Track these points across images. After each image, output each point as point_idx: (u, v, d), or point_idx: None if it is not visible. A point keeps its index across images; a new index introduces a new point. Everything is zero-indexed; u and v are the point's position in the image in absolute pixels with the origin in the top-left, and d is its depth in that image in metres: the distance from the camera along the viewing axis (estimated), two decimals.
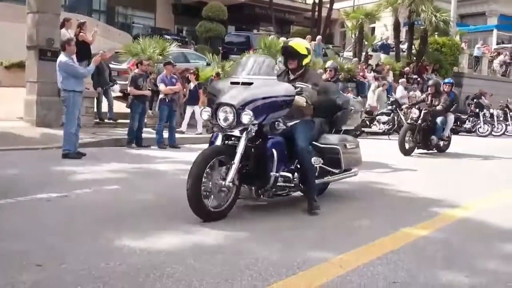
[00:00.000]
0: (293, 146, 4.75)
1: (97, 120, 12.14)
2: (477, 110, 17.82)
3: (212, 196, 4.34)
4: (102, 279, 2.99)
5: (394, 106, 14.92)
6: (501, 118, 18.12)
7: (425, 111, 10.41)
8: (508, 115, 18.48)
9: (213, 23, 23.36)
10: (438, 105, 10.54)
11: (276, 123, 4.60)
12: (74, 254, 3.39)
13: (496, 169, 8.94)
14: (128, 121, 10.22)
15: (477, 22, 32.74)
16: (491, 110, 18.11)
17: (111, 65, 13.51)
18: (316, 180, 5.01)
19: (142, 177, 6.77)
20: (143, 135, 10.19)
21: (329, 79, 8.74)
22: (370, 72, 19.02)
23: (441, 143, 10.90)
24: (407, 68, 20.37)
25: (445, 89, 11.32)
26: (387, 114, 14.79)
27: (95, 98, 11.91)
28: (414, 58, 21.93)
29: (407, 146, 10.13)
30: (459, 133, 17.86)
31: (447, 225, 4.67)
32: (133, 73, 10.54)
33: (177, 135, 10.63)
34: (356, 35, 21.72)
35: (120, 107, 12.39)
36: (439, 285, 3.15)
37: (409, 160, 9.52)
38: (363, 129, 14.66)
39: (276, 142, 4.60)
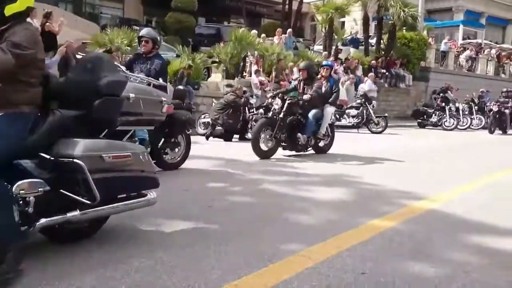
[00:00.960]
0: None
1: None
2: (443, 104, 18.22)
3: None
4: (68, 275, 2.93)
5: (363, 100, 15.09)
6: (467, 112, 18.57)
7: (290, 101, 8.28)
8: (473, 109, 18.95)
9: (183, 14, 23.11)
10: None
11: None
12: (36, 250, 3.31)
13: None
14: None
15: (444, 17, 33.36)
16: (457, 104, 18.54)
17: (78, 56, 13.21)
18: (44, 220, 3.02)
19: None
20: None
21: (145, 53, 6.72)
22: (340, 66, 19.17)
23: (321, 143, 9.00)
24: (373, 61, 20.62)
25: (323, 74, 9.17)
26: (357, 108, 14.96)
27: None
28: (383, 52, 22.22)
29: (264, 146, 8.11)
30: (425, 127, 18.26)
31: (414, 217, 4.76)
32: None
33: None
34: (326, 29, 21.84)
35: None
36: (406, 276, 3.20)
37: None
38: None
39: None
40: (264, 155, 8.06)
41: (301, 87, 8.76)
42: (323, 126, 8.76)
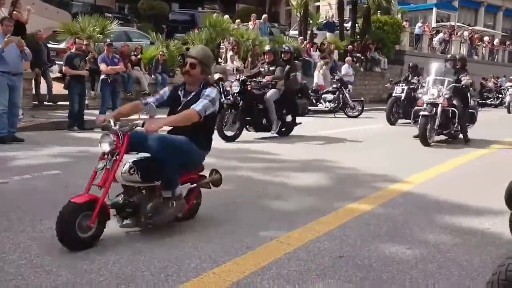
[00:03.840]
0: None
1: (36, 103, 11.64)
2: None
3: None
4: (44, 268, 2.89)
5: (339, 84, 15.12)
6: None
7: None
8: None
9: (156, 0, 22.78)
10: None
11: None
12: (14, 243, 3.26)
13: None
14: (68, 103, 9.86)
15: (417, 0, 33.58)
16: None
17: (49, 45, 12.94)
18: None
19: (85, 161, 6.54)
20: (86, 117, 9.87)
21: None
22: (316, 51, 19.17)
23: None
24: (350, 46, 20.69)
25: None
26: (333, 93, 15.00)
27: (33, 80, 11.39)
28: (358, 36, 22.29)
29: None
30: None
31: (390, 200, 4.82)
32: (69, 52, 10.17)
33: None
34: (301, 13, 21.79)
35: (60, 88, 11.94)
36: (383, 258, 3.25)
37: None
38: (309, 107, 14.84)
39: None
40: None
41: None
42: None
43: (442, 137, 9.35)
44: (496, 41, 30.42)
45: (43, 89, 11.92)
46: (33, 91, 11.50)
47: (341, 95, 14.80)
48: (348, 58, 18.80)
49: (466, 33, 28.23)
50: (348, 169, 6.31)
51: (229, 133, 8.50)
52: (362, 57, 21.13)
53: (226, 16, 17.79)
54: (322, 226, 3.88)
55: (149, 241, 3.39)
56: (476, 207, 4.66)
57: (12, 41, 7.56)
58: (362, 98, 15.62)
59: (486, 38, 29.82)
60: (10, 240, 3.33)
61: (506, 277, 2.09)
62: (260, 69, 9.51)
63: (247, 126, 8.96)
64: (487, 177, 6.18)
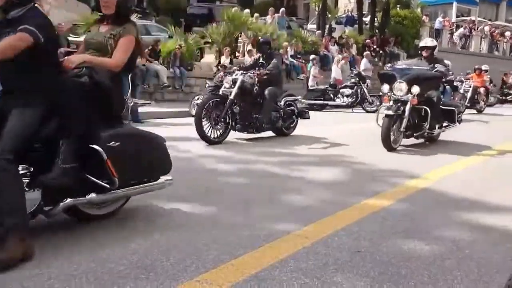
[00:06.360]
0: None
1: None
2: None
3: None
4: (65, 257, 2.94)
5: (357, 79, 15.04)
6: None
7: None
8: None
9: None
10: None
11: None
12: (34, 232, 3.31)
13: None
14: None
15: None
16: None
17: (69, 38, 13.08)
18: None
19: None
20: None
21: None
22: (334, 45, 19.08)
23: None
24: (368, 40, 20.55)
25: None
26: (351, 87, 14.92)
27: None
28: (377, 31, 22.12)
29: None
30: None
31: (408, 196, 4.79)
32: None
33: (141, 110, 10.42)
34: (319, 7, 21.68)
35: None
36: (401, 254, 3.23)
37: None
38: (327, 102, 14.80)
39: None
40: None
41: None
42: None
43: None
44: None
45: None
46: None
47: (359, 90, 14.73)
48: (367, 53, 18.68)
49: (486, 28, 27.83)
50: (365, 164, 6.28)
51: None
52: (381, 52, 20.98)
53: (247, 11, 17.78)
54: (339, 220, 3.88)
55: (167, 233, 3.42)
56: (495, 203, 4.60)
57: None
58: (381, 93, 15.50)
59: (507, 33, 29.35)
60: (30, 228, 3.38)
61: None
62: None
63: None
64: (506, 174, 6.11)
